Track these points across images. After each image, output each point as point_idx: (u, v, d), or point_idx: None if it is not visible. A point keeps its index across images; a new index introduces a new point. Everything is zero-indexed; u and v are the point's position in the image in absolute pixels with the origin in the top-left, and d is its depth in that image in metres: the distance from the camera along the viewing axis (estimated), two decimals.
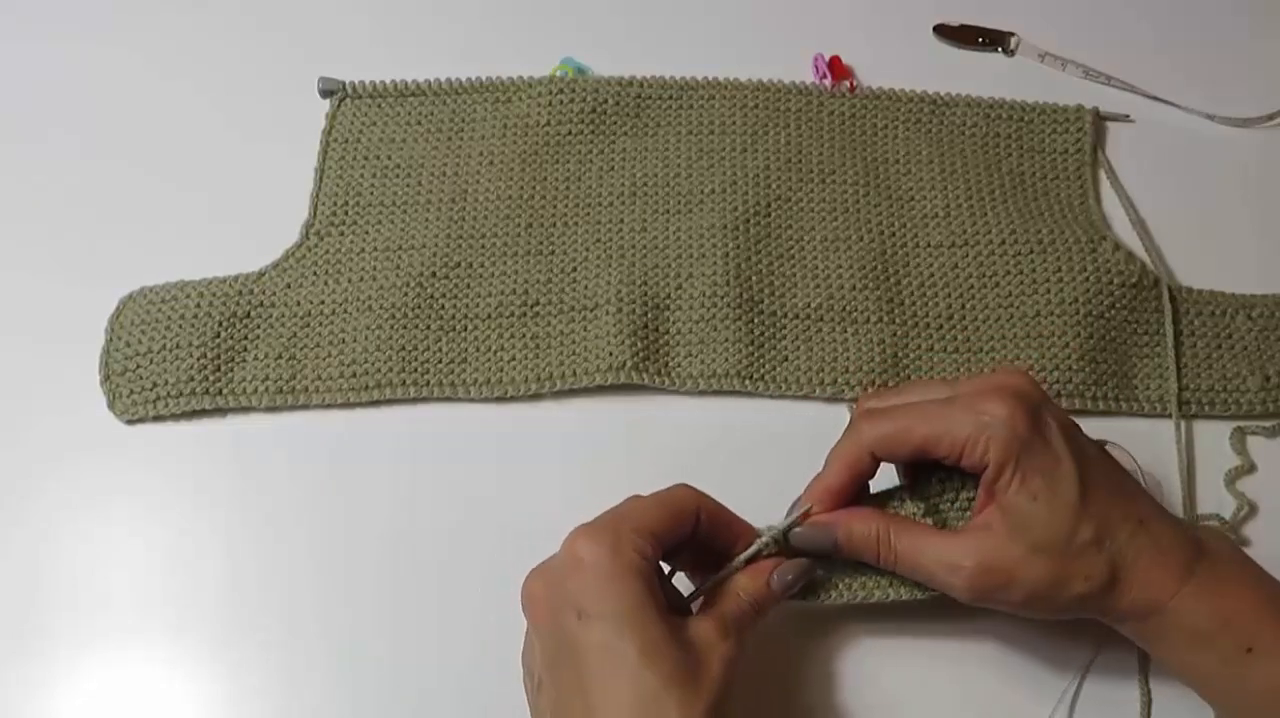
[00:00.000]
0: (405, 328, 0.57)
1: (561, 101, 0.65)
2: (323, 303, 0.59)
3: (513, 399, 0.57)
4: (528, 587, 0.42)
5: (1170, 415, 0.56)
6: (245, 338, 0.57)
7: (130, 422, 0.56)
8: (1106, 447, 0.49)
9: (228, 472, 0.55)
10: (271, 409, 0.56)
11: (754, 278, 0.59)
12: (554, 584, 0.41)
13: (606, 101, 0.65)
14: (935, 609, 0.47)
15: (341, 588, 0.52)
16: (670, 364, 0.57)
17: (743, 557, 0.44)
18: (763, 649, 0.48)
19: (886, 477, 0.48)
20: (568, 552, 0.41)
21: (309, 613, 0.51)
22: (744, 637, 0.42)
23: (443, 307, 0.58)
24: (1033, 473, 0.42)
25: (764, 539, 0.44)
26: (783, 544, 0.45)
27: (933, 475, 0.47)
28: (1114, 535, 0.43)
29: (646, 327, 0.58)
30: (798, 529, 0.45)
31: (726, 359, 0.57)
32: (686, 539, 0.44)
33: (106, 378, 0.57)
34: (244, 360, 0.57)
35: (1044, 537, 0.42)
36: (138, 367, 0.56)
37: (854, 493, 0.46)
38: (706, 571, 0.45)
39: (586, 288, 0.59)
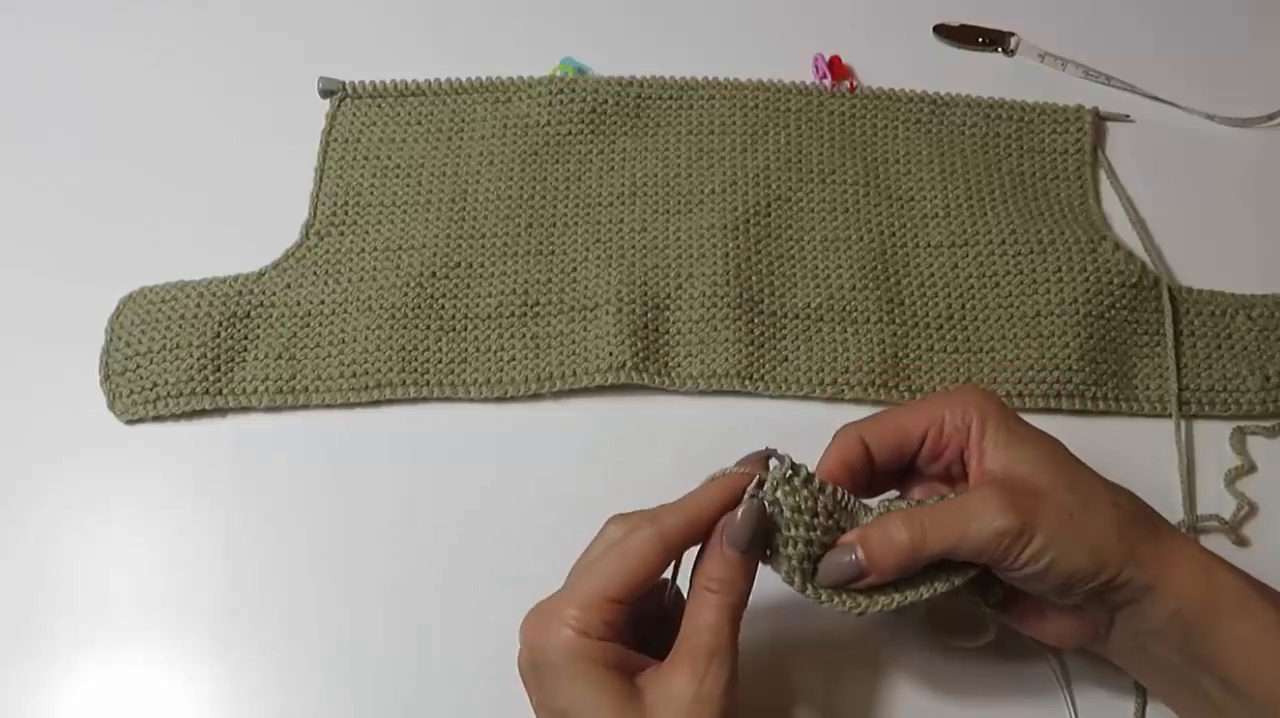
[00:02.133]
0: (405, 328, 0.57)
1: (561, 101, 0.65)
2: (323, 303, 0.59)
3: (513, 399, 0.57)
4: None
5: (1170, 415, 0.56)
6: (245, 338, 0.57)
7: (130, 422, 0.56)
8: None
9: (228, 472, 0.55)
10: (271, 409, 0.56)
11: (754, 278, 0.59)
12: (522, 677, 0.41)
13: (606, 101, 0.65)
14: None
15: (341, 588, 0.52)
16: (670, 364, 0.57)
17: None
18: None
19: None
20: (523, 640, 0.40)
21: (309, 613, 0.52)
22: (725, 656, 0.38)
23: (443, 307, 0.58)
24: (1017, 424, 0.43)
25: (742, 521, 0.39)
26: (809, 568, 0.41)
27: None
28: (1121, 495, 0.42)
29: (646, 327, 0.58)
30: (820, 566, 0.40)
31: (726, 359, 0.57)
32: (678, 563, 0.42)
33: (106, 378, 0.57)
34: (244, 360, 0.57)
35: (1050, 461, 0.42)
36: (138, 367, 0.56)
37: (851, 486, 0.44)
38: None
39: (586, 288, 0.59)
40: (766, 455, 0.42)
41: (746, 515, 0.39)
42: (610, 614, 0.39)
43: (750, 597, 0.40)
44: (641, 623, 0.41)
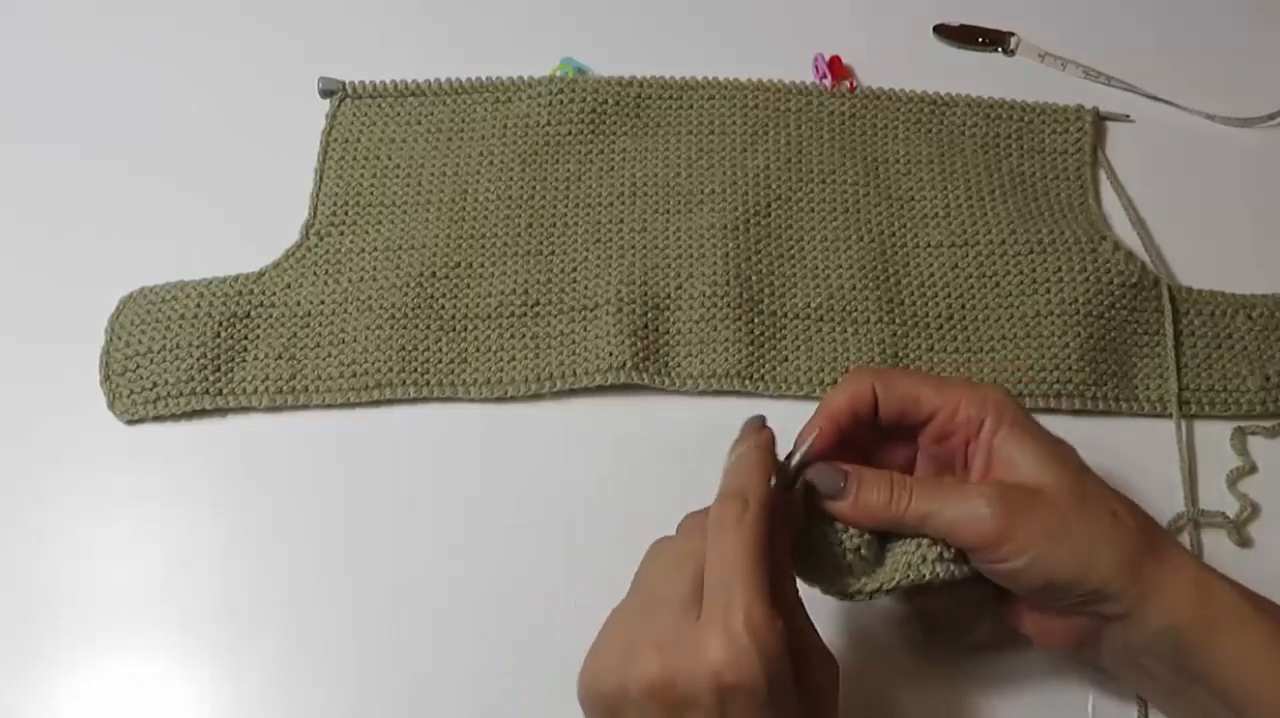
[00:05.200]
0: (405, 328, 0.57)
1: (561, 101, 0.65)
2: (323, 303, 0.59)
3: (513, 399, 0.57)
4: (619, 687, 0.37)
5: (1170, 415, 0.56)
6: (245, 338, 0.57)
7: (130, 422, 0.56)
8: None
9: (228, 472, 0.55)
10: (272, 409, 0.56)
11: (754, 278, 0.59)
12: (680, 699, 0.35)
13: (606, 101, 0.65)
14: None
15: (342, 588, 0.52)
16: (670, 364, 0.57)
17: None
18: None
19: None
20: (706, 666, 0.35)
21: (309, 613, 0.51)
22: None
23: (443, 307, 0.58)
24: (1032, 427, 0.43)
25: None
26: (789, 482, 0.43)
27: None
28: (1117, 505, 0.42)
29: (646, 327, 0.58)
30: (810, 467, 0.43)
31: (726, 359, 0.57)
32: None
33: (106, 378, 0.57)
34: (244, 360, 0.57)
35: (1055, 476, 0.42)
36: (138, 367, 0.56)
37: (853, 431, 0.44)
38: None
39: (586, 288, 0.59)
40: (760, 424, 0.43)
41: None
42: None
43: None
44: None
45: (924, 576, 0.42)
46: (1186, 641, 0.41)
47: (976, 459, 0.44)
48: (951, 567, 0.42)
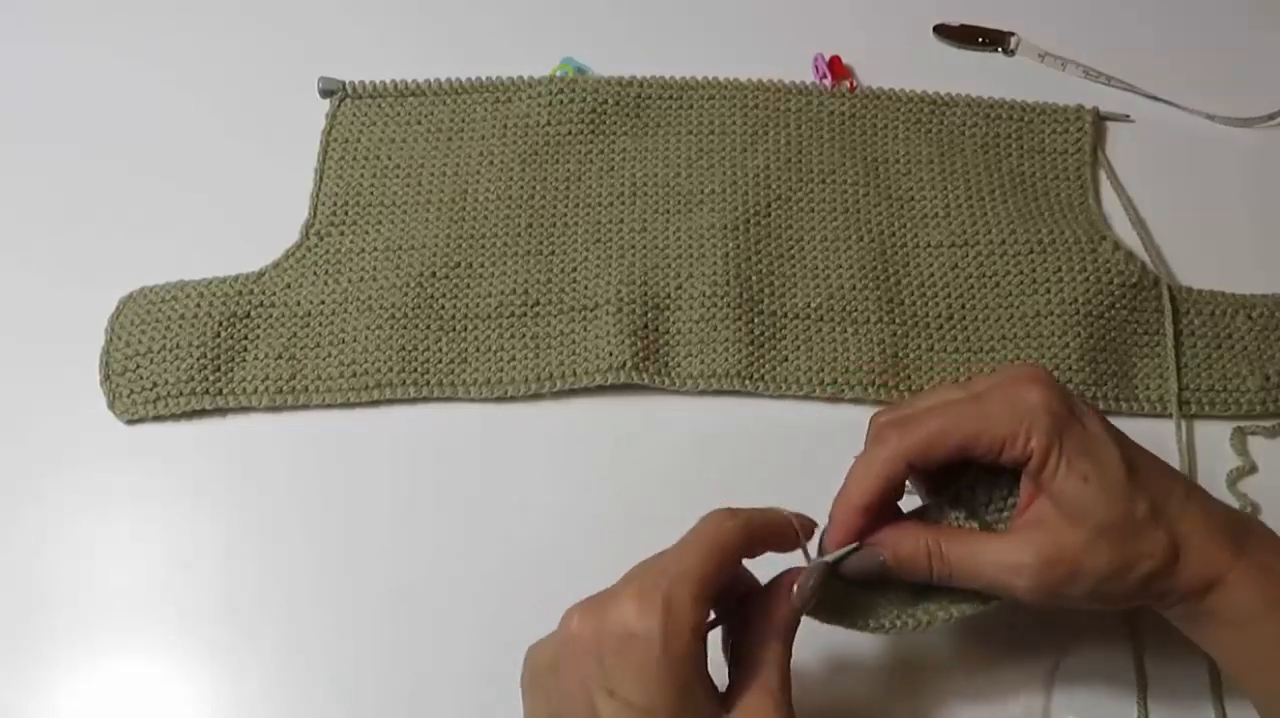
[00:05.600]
0: (405, 328, 0.57)
1: (561, 101, 0.65)
2: (323, 303, 0.59)
3: (513, 399, 0.57)
4: (553, 650, 0.38)
5: (1170, 415, 0.56)
6: (245, 338, 0.57)
7: (130, 422, 0.56)
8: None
9: (228, 472, 0.55)
10: (272, 409, 0.56)
11: (754, 278, 0.59)
12: (588, 649, 0.37)
13: (606, 101, 0.65)
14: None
15: (341, 588, 0.52)
16: (670, 364, 0.57)
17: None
18: None
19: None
20: (615, 617, 0.37)
21: (309, 613, 0.51)
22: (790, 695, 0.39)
23: (443, 307, 0.58)
24: (1077, 455, 0.41)
25: (812, 583, 0.41)
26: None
27: (959, 483, 0.45)
28: (1166, 507, 0.41)
29: (646, 327, 0.58)
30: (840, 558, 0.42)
31: (726, 359, 0.57)
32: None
33: (106, 378, 0.57)
34: (244, 360, 0.57)
35: (1103, 519, 0.41)
36: (138, 367, 0.56)
37: (885, 509, 0.43)
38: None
39: (586, 288, 0.59)
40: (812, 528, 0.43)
41: (820, 573, 0.41)
42: (706, 610, 0.37)
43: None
44: None
45: (951, 616, 0.43)
46: (1191, 626, 0.44)
47: (1024, 484, 0.43)
48: (983, 606, 0.43)
